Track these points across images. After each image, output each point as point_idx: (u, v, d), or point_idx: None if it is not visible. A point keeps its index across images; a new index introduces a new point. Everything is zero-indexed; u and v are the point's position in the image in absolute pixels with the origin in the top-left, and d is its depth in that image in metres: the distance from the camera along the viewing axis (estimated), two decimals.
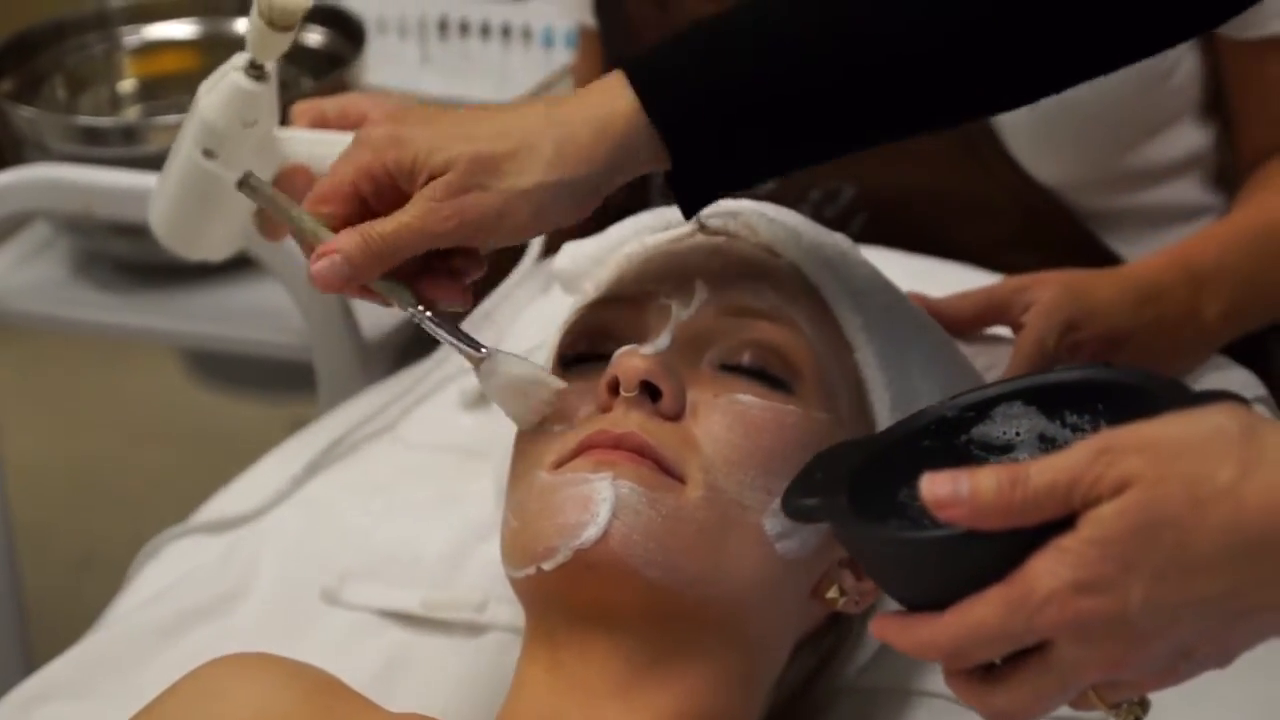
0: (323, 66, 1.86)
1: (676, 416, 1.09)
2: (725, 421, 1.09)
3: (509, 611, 1.25)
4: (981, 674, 0.89)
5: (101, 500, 2.75)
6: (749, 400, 1.10)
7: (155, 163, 1.67)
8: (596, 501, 1.05)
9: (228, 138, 1.29)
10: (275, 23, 1.25)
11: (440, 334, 1.12)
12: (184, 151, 1.31)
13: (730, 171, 1.10)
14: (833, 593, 1.13)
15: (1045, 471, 0.86)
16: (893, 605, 1.19)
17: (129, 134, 1.74)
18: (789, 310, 1.15)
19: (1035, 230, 1.51)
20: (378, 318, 1.68)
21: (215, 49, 1.93)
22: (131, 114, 1.91)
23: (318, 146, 1.36)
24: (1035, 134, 1.48)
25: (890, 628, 0.91)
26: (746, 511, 1.08)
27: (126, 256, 1.79)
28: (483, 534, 1.34)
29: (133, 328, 1.78)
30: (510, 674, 1.12)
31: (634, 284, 1.17)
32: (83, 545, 2.47)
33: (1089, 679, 0.88)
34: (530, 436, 1.11)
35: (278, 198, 1.21)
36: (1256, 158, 1.53)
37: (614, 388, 1.09)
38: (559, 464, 1.08)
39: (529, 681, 1.09)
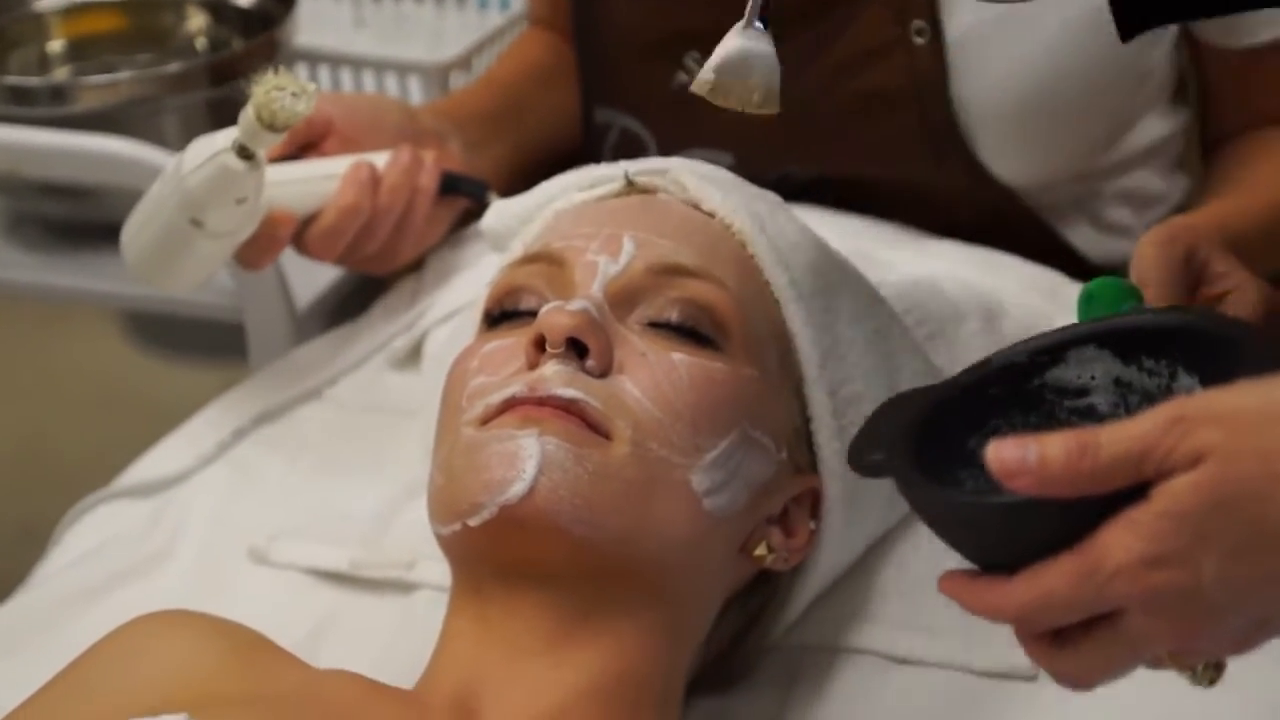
0: (254, 27, 1.84)
1: (603, 373, 1.09)
2: (653, 378, 1.09)
3: (438, 570, 1.25)
4: (1051, 637, 0.87)
5: (38, 469, 2.73)
6: (677, 358, 1.10)
7: (83, 122, 1.68)
8: (523, 458, 1.05)
9: (215, 211, 1.32)
10: (273, 126, 1.26)
11: None
12: (168, 212, 1.34)
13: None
14: (761, 550, 1.13)
15: (1117, 441, 0.84)
16: (815, 568, 1.20)
17: (57, 94, 1.73)
18: (717, 267, 1.15)
19: (989, 222, 1.51)
20: (309, 279, 1.67)
21: (143, 10, 1.91)
22: (60, 74, 1.89)
23: (293, 187, 1.40)
24: (1006, 137, 1.47)
25: (959, 588, 0.89)
26: (674, 468, 1.08)
27: (56, 217, 1.78)
28: (412, 493, 1.33)
29: (64, 289, 1.76)
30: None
31: (561, 240, 1.17)
32: (21, 515, 2.45)
33: (1160, 648, 0.87)
34: (457, 393, 1.11)
35: None
36: (1226, 133, 1.54)
37: (540, 344, 1.09)
38: (485, 420, 1.08)
39: (455, 637, 1.09)
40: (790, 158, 1.53)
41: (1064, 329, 1.00)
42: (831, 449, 1.17)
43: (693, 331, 1.12)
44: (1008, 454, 0.84)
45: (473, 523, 1.05)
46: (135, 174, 1.57)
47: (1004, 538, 0.88)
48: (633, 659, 1.07)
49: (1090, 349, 0.98)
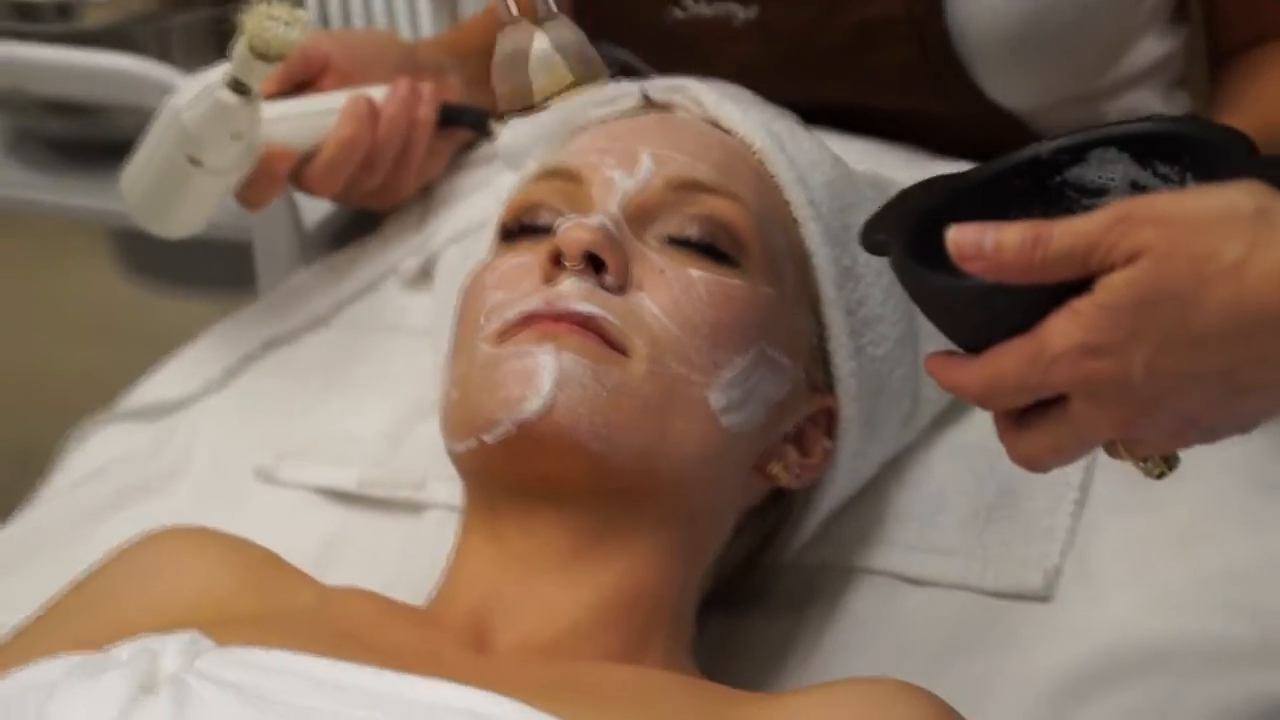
0: None
1: (621, 289, 1.08)
2: (671, 295, 1.08)
3: (448, 489, 1.24)
4: (1016, 417, 0.92)
5: (35, 394, 2.73)
6: (695, 274, 1.09)
7: (88, 39, 1.68)
8: (540, 374, 1.04)
9: (212, 148, 1.31)
10: (265, 57, 1.25)
11: None
12: (165, 151, 1.33)
13: None
14: (776, 468, 1.13)
15: (1066, 234, 0.88)
16: (829, 487, 1.19)
17: (63, 10, 1.72)
18: (735, 184, 1.14)
19: (994, 145, 1.50)
20: (318, 201, 1.66)
21: None
22: None
23: (291, 123, 1.39)
24: (1004, 61, 1.46)
25: (936, 365, 0.94)
26: (691, 385, 1.07)
27: (60, 134, 1.78)
28: (422, 412, 1.32)
29: (66, 206, 1.76)
30: (449, 552, 1.11)
31: (579, 157, 1.15)
32: (17, 443, 2.45)
33: (1103, 436, 0.91)
34: (473, 309, 1.10)
35: None
36: (1233, 49, 1.53)
37: (557, 259, 1.08)
38: (502, 336, 1.07)
39: (469, 555, 1.09)
40: (792, 89, 1.52)
41: (1087, 130, 1.02)
42: (848, 368, 1.16)
43: (711, 248, 1.11)
44: (966, 238, 0.89)
45: (489, 439, 1.04)
46: (140, 90, 1.56)
47: (972, 320, 0.93)
48: (647, 576, 1.07)
49: (1111, 151, 1.01)
